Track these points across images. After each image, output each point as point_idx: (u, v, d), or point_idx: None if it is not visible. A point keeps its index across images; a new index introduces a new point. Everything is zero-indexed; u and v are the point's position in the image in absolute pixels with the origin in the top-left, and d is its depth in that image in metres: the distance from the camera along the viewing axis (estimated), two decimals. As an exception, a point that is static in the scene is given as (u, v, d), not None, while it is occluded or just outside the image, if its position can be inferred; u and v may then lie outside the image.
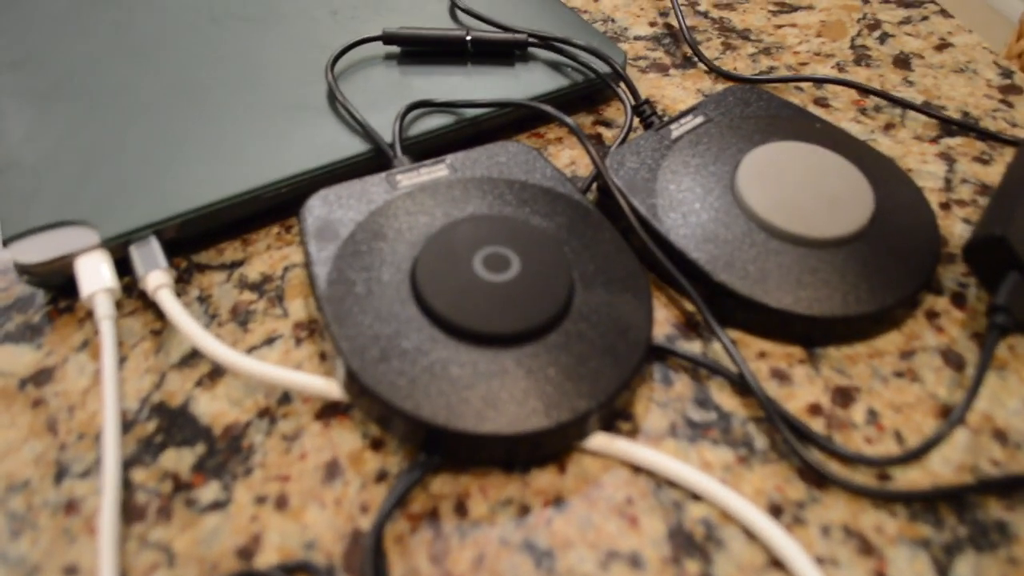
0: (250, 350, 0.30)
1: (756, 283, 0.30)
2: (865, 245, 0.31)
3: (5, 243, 0.30)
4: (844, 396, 0.29)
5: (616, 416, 0.28)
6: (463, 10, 0.43)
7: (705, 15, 0.49)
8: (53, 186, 0.32)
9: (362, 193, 0.31)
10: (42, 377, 0.29)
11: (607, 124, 0.40)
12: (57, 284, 0.31)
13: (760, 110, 0.37)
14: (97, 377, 0.29)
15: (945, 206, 0.36)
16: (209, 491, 0.26)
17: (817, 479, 0.27)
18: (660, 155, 0.34)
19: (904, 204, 0.33)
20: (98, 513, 0.25)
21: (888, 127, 0.40)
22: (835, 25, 0.48)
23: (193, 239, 0.34)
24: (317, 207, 0.30)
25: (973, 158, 0.39)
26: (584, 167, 0.38)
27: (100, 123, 0.35)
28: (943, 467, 0.27)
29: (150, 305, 0.31)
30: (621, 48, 0.42)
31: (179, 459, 0.27)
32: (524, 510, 0.26)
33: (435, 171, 0.32)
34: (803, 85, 0.43)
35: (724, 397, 0.29)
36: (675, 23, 0.48)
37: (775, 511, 0.26)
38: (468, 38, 0.39)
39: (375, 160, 0.35)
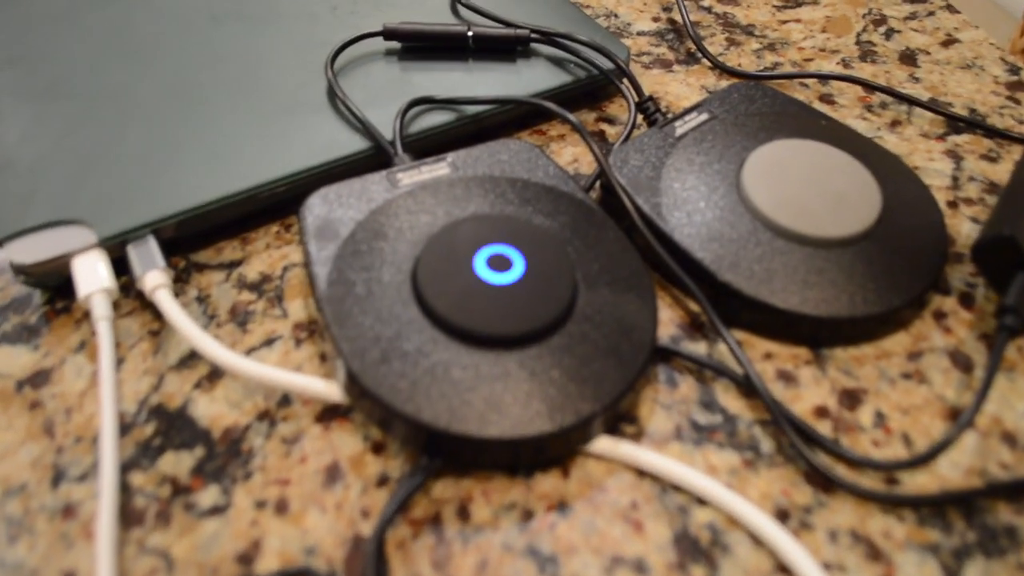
0: (249, 351, 0.30)
1: (762, 283, 0.29)
2: (872, 245, 0.31)
3: (1, 243, 0.30)
4: (851, 398, 0.29)
5: (620, 419, 0.28)
6: (464, 5, 0.42)
7: (709, 10, 0.48)
8: (49, 185, 0.32)
9: (362, 192, 0.31)
10: (39, 379, 0.29)
11: (610, 121, 0.40)
12: (54, 284, 0.31)
13: (765, 107, 0.36)
14: (95, 379, 0.29)
15: (952, 204, 0.36)
16: (208, 495, 0.26)
17: (824, 483, 0.26)
18: (664, 153, 0.34)
19: (911, 203, 0.33)
20: (96, 518, 0.25)
21: (894, 124, 0.40)
22: (840, 21, 0.48)
23: (191, 238, 0.34)
24: (317, 206, 0.30)
25: (980, 155, 0.38)
26: (587, 165, 0.37)
27: (97, 122, 0.35)
28: (952, 471, 0.27)
29: (148, 305, 0.31)
30: (624, 44, 0.41)
31: (178, 462, 0.27)
32: (527, 515, 0.25)
33: (436, 169, 0.32)
34: (808, 81, 0.43)
35: (729, 399, 0.28)
36: (679, 18, 0.47)
37: (781, 516, 0.25)
38: (469, 34, 0.39)
39: (375, 158, 0.35)
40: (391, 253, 0.29)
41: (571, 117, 0.33)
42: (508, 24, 0.40)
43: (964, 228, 0.35)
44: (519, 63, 0.39)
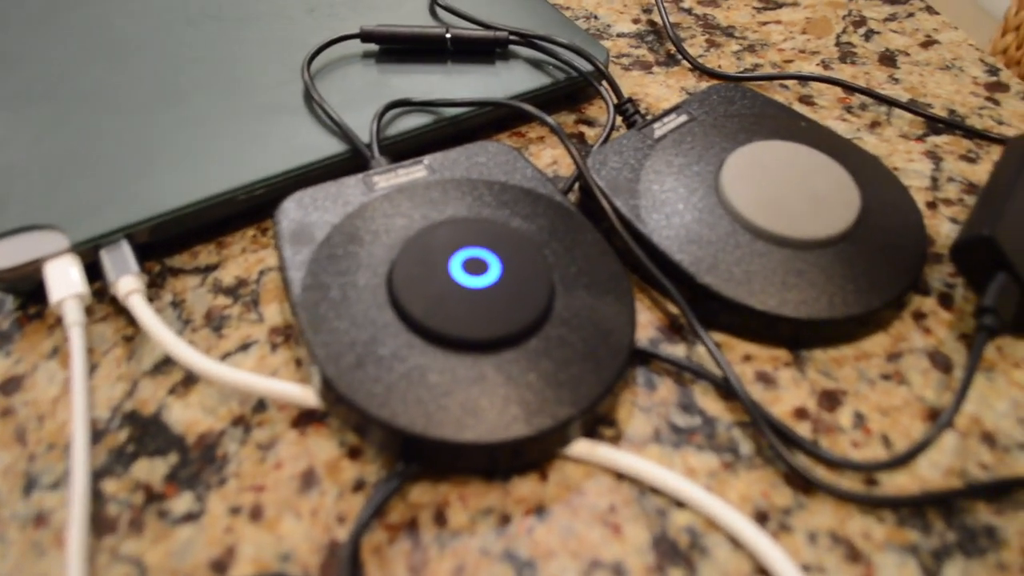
0: (224, 356, 0.29)
1: (741, 285, 0.29)
2: (851, 246, 0.31)
3: (-29, 248, 0.29)
4: (830, 399, 0.28)
5: (599, 422, 0.27)
6: (443, 7, 0.42)
7: (689, 12, 0.48)
8: (22, 190, 0.31)
9: (338, 195, 0.30)
10: (10, 386, 0.28)
11: (589, 123, 0.40)
12: (26, 290, 0.30)
13: (745, 108, 0.36)
14: (67, 385, 0.28)
15: (932, 205, 0.36)
16: (182, 502, 0.25)
17: (803, 485, 0.26)
18: (643, 155, 0.34)
19: (890, 204, 0.33)
20: (67, 526, 0.25)
21: (874, 125, 0.40)
22: (820, 22, 0.48)
23: (166, 242, 0.33)
24: (292, 209, 0.30)
25: (960, 156, 0.38)
26: (566, 167, 0.37)
27: (71, 125, 0.34)
28: (931, 471, 0.27)
29: (122, 311, 0.31)
30: (603, 46, 0.41)
31: (151, 469, 0.26)
32: (505, 519, 0.25)
33: (413, 172, 0.32)
34: (788, 83, 0.43)
35: (708, 401, 0.28)
36: (658, 20, 0.47)
37: (761, 518, 0.25)
38: (448, 36, 0.39)
39: (352, 161, 0.34)
40: (366, 257, 0.28)
41: (549, 119, 0.33)
42: (487, 26, 0.40)
43: (943, 229, 0.35)
44: (498, 65, 0.39)
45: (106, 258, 0.30)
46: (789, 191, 0.32)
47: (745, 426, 0.28)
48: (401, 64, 0.39)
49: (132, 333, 0.30)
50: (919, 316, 0.31)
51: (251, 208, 0.33)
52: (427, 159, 0.32)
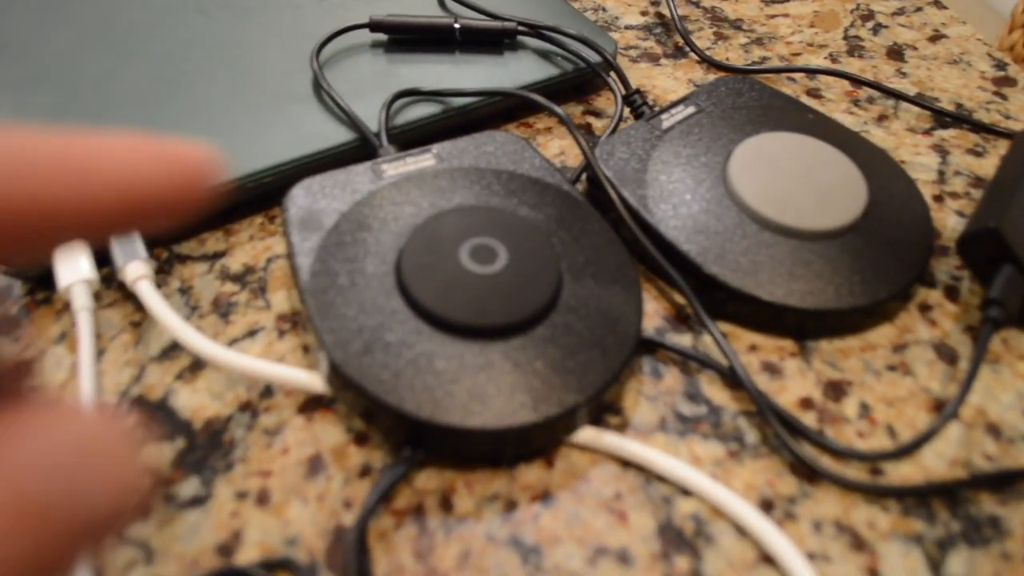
0: (232, 343, 0.29)
1: (747, 275, 0.29)
2: (858, 237, 0.31)
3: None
4: (836, 390, 0.28)
5: (605, 410, 0.28)
6: (451, -2, 0.42)
7: (697, 4, 0.48)
8: (31, 175, 0.31)
9: (346, 182, 0.30)
10: (19, 370, 0.28)
11: (597, 114, 0.40)
12: (34, 275, 0.30)
13: (752, 100, 0.36)
14: (75, 370, 0.28)
15: (938, 198, 0.36)
16: (189, 487, 0.26)
17: (808, 474, 0.26)
18: (651, 145, 0.34)
19: (897, 196, 0.33)
20: (74, 509, 0.25)
21: (881, 118, 0.40)
22: (828, 16, 0.48)
23: (174, 229, 0.33)
24: (300, 197, 0.30)
25: (967, 150, 0.38)
26: (573, 158, 0.37)
27: (80, 112, 0.34)
28: (936, 462, 0.27)
29: (130, 297, 0.31)
30: (612, 37, 0.41)
31: (158, 454, 0.26)
32: (511, 505, 0.25)
33: (421, 160, 0.32)
34: (796, 76, 0.43)
35: (714, 391, 0.28)
36: (666, 12, 0.47)
37: (766, 506, 0.25)
38: (456, 26, 0.39)
39: (361, 149, 0.34)
40: (375, 244, 0.28)
41: (557, 109, 0.33)
42: (495, 17, 0.40)
43: (950, 222, 0.35)
44: (506, 56, 0.39)
45: (115, 244, 0.30)
46: (796, 182, 0.32)
47: (751, 415, 0.28)
48: (410, 54, 0.39)
49: (140, 319, 0.30)
50: (925, 308, 0.31)
51: (259, 195, 0.34)
52: (435, 148, 0.32)
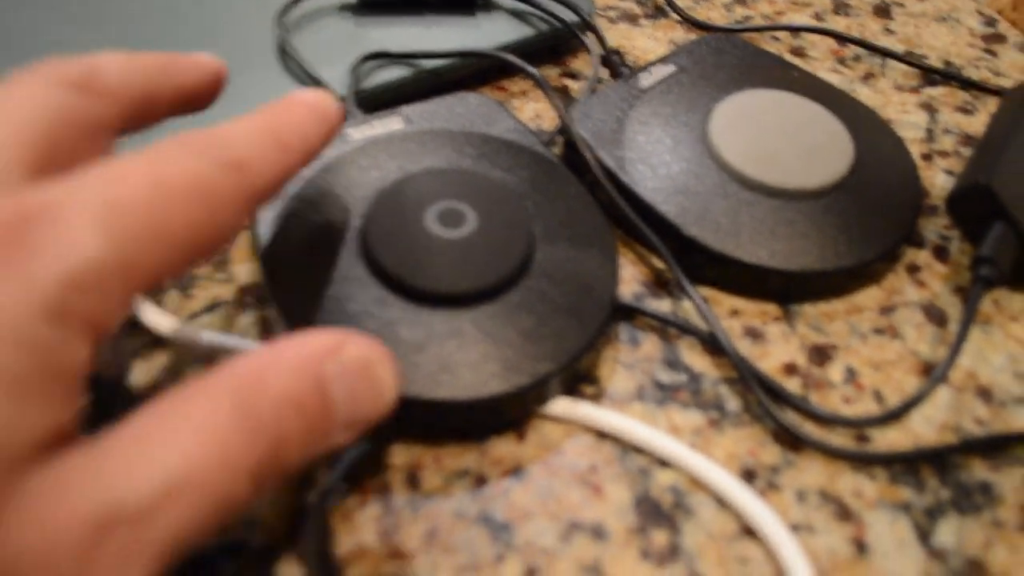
0: (192, 317, 0.28)
1: (728, 237, 0.28)
2: (844, 196, 0.30)
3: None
4: (821, 354, 0.27)
5: (579, 379, 0.26)
6: (423, -42, 0.41)
7: (678, -36, 0.46)
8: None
9: (310, 148, 0.29)
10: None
11: (574, 76, 0.38)
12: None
13: (735, 59, 0.35)
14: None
15: (927, 157, 0.35)
16: (145, 466, 0.24)
17: (792, 442, 0.25)
18: (628, 105, 0.32)
19: (884, 155, 0.32)
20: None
21: (868, 77, 0.39)
22: (813, -27, 0.46)
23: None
24: (261, 163, 0.28)
25: (955, 108, 0.37)
26: (549, 121, 0.36)
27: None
28: (925, 427, 0.26)
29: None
30: (589, -3, 0.40)
31: (114, 432, 0.25)
32: (480, 481, 0.24)
33: (389, 123, 0.30)
34: (780, 35, 0.41)
35: (694, 357, 0.27)
36: (647, -28, 0.46)
37: (748, 476, 0.24)
38: (427, -14, 0.37)
39: (327, 115, 0.33)
40: (338, 211, 0.27)
41: (531, 69, 0.32)
42: (468, -24, 0.39)
43: (938, 180, 0.34)
44: (479, 16, 0.38)
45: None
46: (780, 140, 0.30)
47: (732, 382, 0.27)
48: (379, 16, 0.37)
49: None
50: (913, 269, 0.30)
51: (221, 164, 0.32)
52: (404, 110, 0.31)
